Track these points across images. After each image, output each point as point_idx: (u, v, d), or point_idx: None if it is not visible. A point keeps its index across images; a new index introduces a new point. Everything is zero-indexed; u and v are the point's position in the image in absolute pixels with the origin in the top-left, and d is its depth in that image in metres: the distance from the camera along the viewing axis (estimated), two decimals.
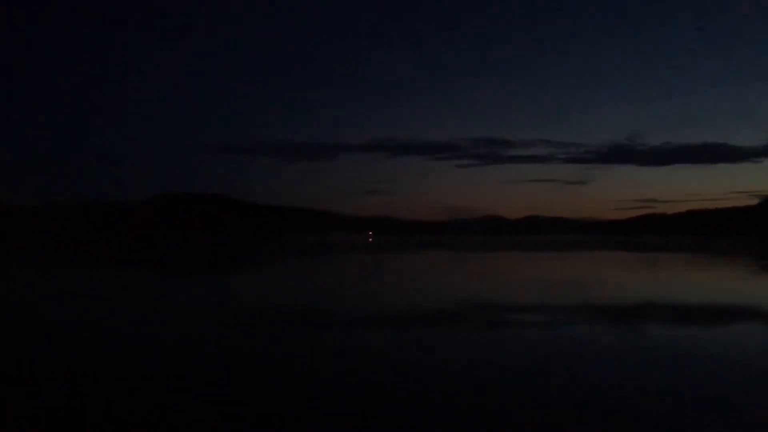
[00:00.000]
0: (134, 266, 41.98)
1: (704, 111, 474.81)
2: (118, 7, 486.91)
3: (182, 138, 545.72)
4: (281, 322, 14.66)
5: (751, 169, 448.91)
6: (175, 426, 6.72)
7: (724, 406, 7.58)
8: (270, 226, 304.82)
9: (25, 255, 58.59)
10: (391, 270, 38.42)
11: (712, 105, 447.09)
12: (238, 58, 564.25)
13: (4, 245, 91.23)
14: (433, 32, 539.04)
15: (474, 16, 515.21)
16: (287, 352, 10.99)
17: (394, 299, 20.15)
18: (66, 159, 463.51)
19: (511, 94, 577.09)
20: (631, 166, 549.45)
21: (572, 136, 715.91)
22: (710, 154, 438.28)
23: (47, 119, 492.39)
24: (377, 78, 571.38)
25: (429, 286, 26.13)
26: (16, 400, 7.68)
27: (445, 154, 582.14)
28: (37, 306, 17.97)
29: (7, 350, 11.06)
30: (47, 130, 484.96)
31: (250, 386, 8.44)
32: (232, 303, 19.20)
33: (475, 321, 14.83)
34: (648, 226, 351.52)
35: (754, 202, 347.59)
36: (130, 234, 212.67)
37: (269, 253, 66.42)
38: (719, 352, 10.91)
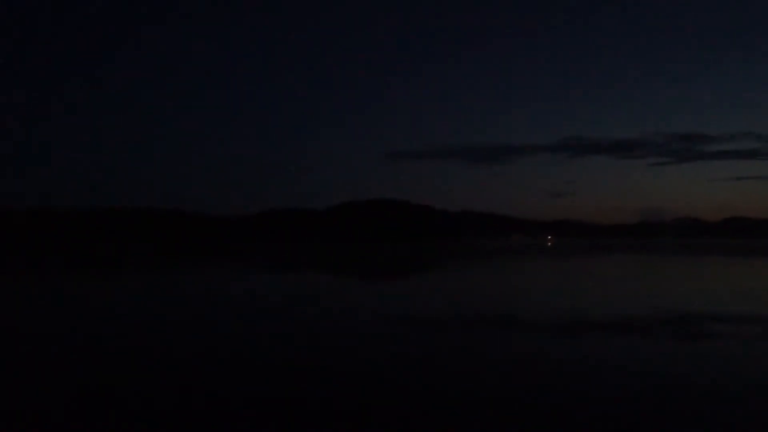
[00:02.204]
0: (331, 271, 45.20)
1: None
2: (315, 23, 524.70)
3: (365, 145, 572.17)
4: (464, 324, 15.82)
5: None
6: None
7: None
8: (451, 231, 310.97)
9: (232, 260, 62.49)
10: (562, 276, 38.08)
11: None
12: (420, 63, 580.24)
13: (210, 250, 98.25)
14: (619, 24, 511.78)
15: (662, 4, 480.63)
16: (468, 353, 11.88)
17: (575, 307, 19.66)
18: (256, 168, 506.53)
19: (709, 84, 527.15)
20: None
21: None
22: None
23: (239, 129, 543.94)
24: (561, 75, 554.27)
25: (611, 293, 25.51)
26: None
27: (635, 152, 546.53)
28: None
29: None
30: (250, 139, 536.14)
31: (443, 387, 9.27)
32: (429, 305, 20.57)
33: (676, 332, 14.40)
34: None
35: None
36: (319, 240, 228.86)
37: (448, 259, 66.72)
38: None
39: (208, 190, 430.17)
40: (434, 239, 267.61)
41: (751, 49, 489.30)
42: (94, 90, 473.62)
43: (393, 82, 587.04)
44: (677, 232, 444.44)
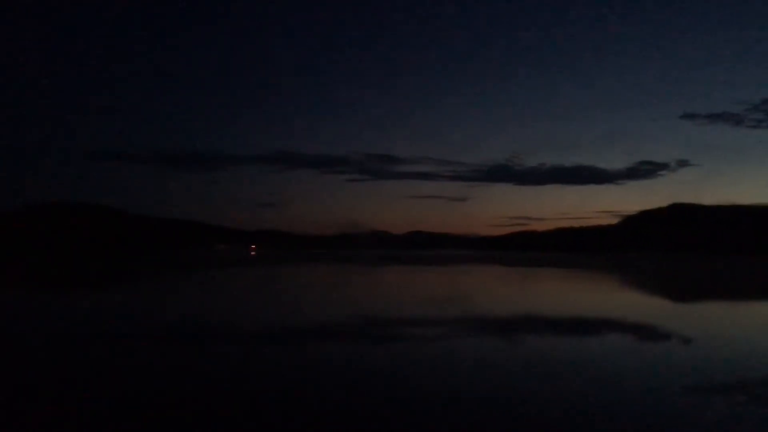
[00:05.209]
0: (10, 281, 41.29)
1: (576, 135, 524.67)
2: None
3: (61, 144, 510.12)
4: (159, 339, 15.09)
5: (614, 190, 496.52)
6: None
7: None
8: (154, 240, 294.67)
9: None
10: (261, 286, 38.83)
11: (583, 130, 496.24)
12: (128, 63, 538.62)
13: None
14: (328, 47, 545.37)
15: (374, 35, 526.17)
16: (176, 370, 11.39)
17: (277, 315, 20.24)
18: None
19: (404, 112, 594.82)
20: (508, 185, 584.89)
21: (457, 155, 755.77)
22: (579, 176, 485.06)
23: None
24: (274, 89, 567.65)
25: (309, 301, 26.45)
26: None
27: (337, 169, 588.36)
28: None
29: None
30: None
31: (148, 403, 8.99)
32: (109, 321, 19.01)
33: (357, 335, 15.14)
34: (521, 242, 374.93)
35: (615, 221, 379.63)
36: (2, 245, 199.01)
37: (145, 269, 63.17)
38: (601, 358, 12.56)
39: None
40: (135, 248, 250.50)
41: (436, 82, 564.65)
42: None
43: (102, 81, 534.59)
44: (371, 244, 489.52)
